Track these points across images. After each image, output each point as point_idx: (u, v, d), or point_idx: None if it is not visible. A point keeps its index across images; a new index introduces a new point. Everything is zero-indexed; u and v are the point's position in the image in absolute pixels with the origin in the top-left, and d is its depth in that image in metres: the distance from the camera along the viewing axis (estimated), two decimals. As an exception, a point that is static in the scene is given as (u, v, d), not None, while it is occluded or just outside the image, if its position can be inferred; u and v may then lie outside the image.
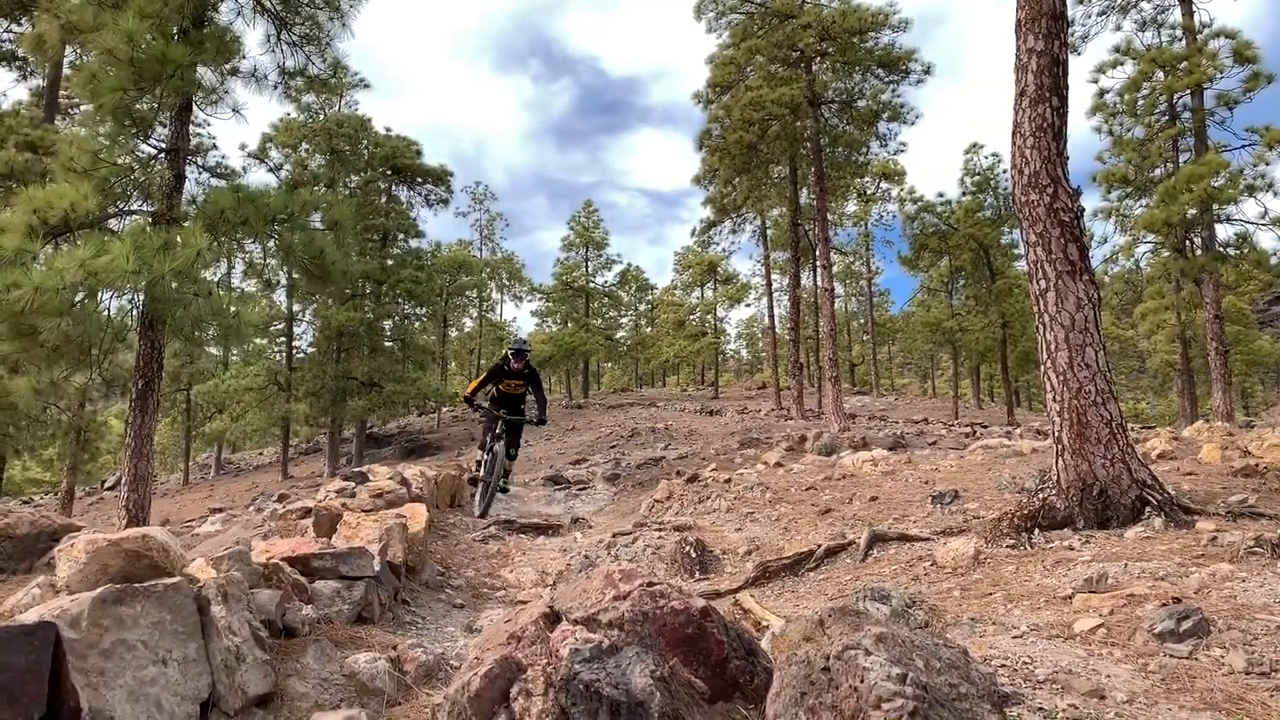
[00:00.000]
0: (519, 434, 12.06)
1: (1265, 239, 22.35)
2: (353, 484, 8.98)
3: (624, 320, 65.02)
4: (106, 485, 39.16)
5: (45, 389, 13.71)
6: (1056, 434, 6.13)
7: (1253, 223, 21.92)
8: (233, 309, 11.07)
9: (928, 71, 26.51)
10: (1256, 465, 7.92)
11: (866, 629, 2.51)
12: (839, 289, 55.95)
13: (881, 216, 47.58)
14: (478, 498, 11.69)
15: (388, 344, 37.10)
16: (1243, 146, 22.24)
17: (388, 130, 37.60)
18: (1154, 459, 9.07)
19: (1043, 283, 6.25)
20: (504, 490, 12.07)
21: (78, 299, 9.77)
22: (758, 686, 2.72)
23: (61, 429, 22.09)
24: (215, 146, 32.77)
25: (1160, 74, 24.28)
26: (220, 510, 20.38)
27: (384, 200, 38.35)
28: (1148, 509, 5.70)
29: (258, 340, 35.56)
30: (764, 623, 4.50)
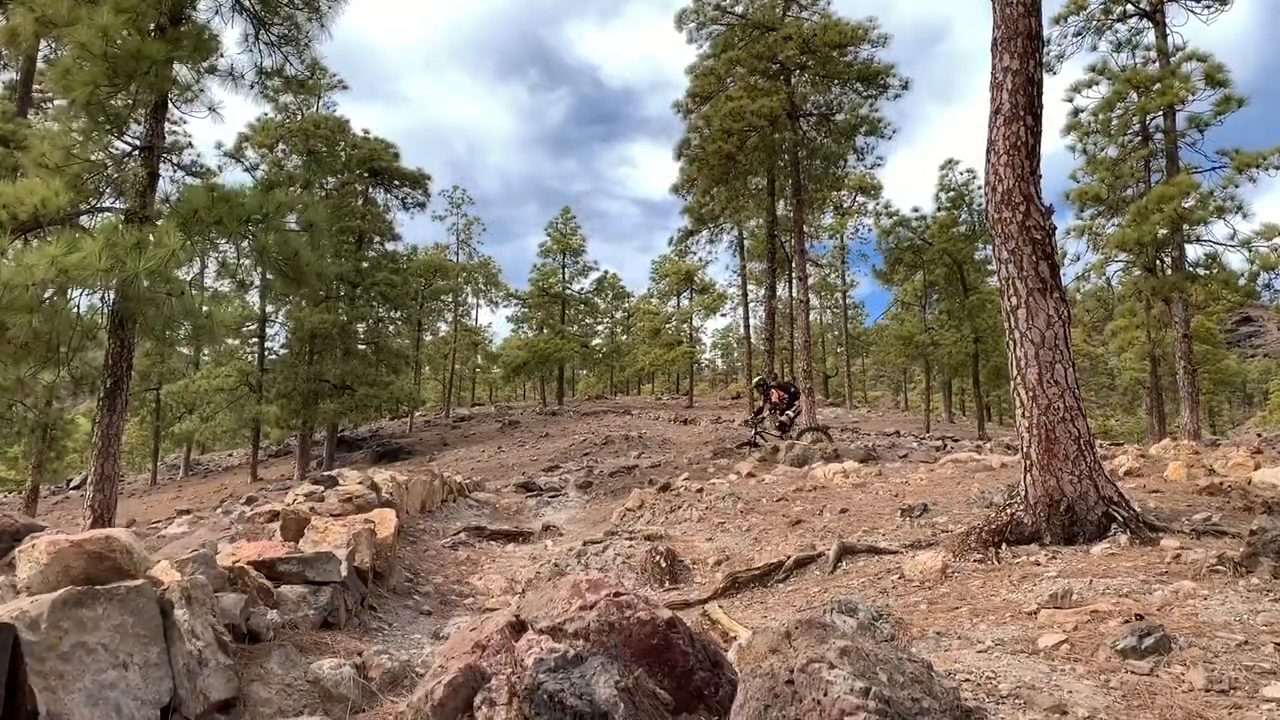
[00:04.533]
0: None
1: (1234, 260, 22.59)
2: (322, 488, 8.93)
3: (600, 327, 65.00)
4: (72, 484, 38.60)
5: (12, 386, 13.52)
6: (1025, 449, 6.17)
7: (1221, 244, 22.24)
8: (205, 309, 10.99)
9: (905, 87, 26.74)
10: (1221, 483, 8.01)
11: (831, 642, 2.52)
12: (814, 301, 56.14)
13: (858, 230, 47.85)
14: None
15: (361, 347, 36.86)
16: (1213, 169, 22.57)
17: (365, 132, 37.44)
18: (1121, 476, 9.15)
19: (1014, 299, 6.30)
20: None
21: (47, 296, 9.66)
22: (722, 698, 2.72)
23: (28, 427, 21.75)
24: (191, 145, 32.48)
25: (1134, 95, 24.56)
26: (188, 512, 20.18)
27: (360, 202, 38.14)
28: (1113, 526, 5.75)
29: (230, 341, 35.09)
30: (731, 634, 4.50)
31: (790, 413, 18.84)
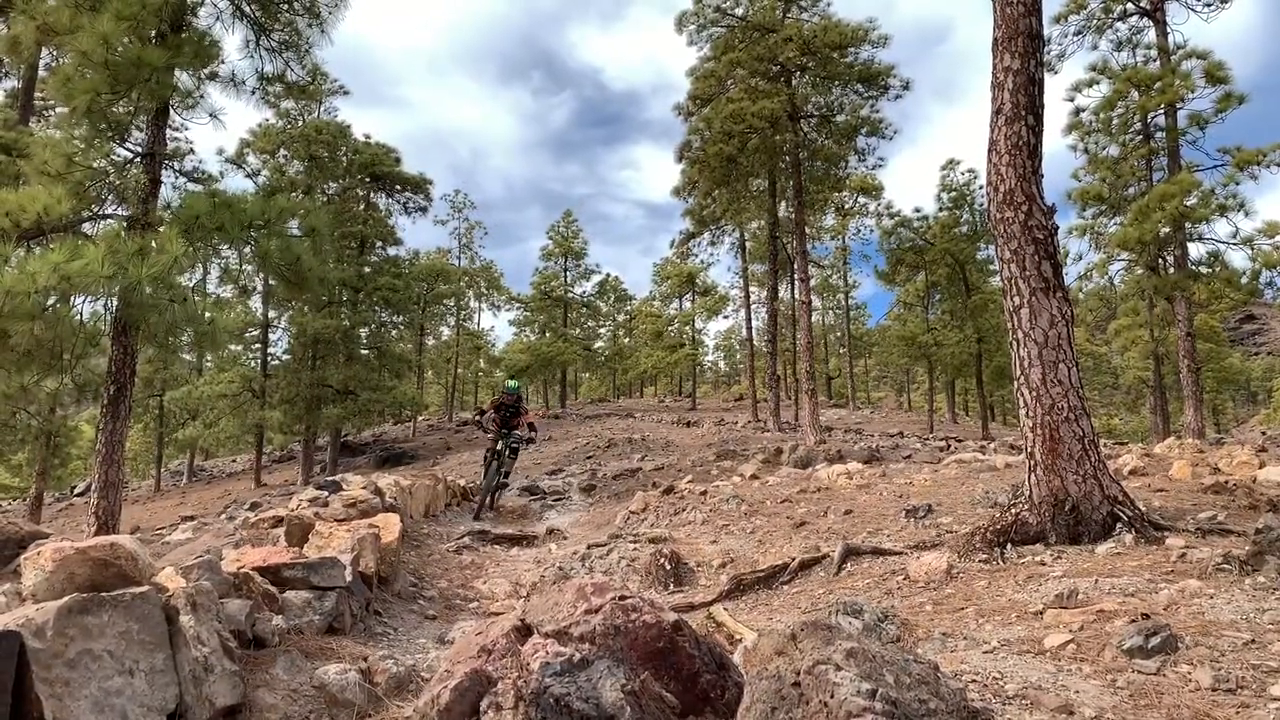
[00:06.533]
0: None
1: (1236, 258, 22.52)
2: (326, 493, 8.92)
3: (602, 330, 65.07)
4: (76, 491, 38.64)
5: (15, 394, 13.53)
6: (1029, 449, 6.16)
7: (1224, 242, 22.19)
8: (208, 315, 10.98)
9: (906, 87, 26.72)
10: (1226, 482, 7.99)
11: (837, 644, 2.52)
12: (816, 302, 56.07)
13: (859, 231, 47.74)
14: None
15: (364, 352, 36.88)
16: (1214, 166, 22.54)
17: (367, 137, 37.51)
18: (1126, 475, 9.13)
19: (1017, 299, 6.29)
20: None
21: (50, 303, 9.67)
22: (729, 701, 2.71)
23: (31, 434, 21.77)
24: (192, 151, 32.50)
25: (1135, 93, 24.56)
26: (192, 518, 20.18)
27: (362, 207, 38.21)
28: (1119, 525, 5.73)
29: (232, 347, 35.21)
30: (737, 636, 4.49)
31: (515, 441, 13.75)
